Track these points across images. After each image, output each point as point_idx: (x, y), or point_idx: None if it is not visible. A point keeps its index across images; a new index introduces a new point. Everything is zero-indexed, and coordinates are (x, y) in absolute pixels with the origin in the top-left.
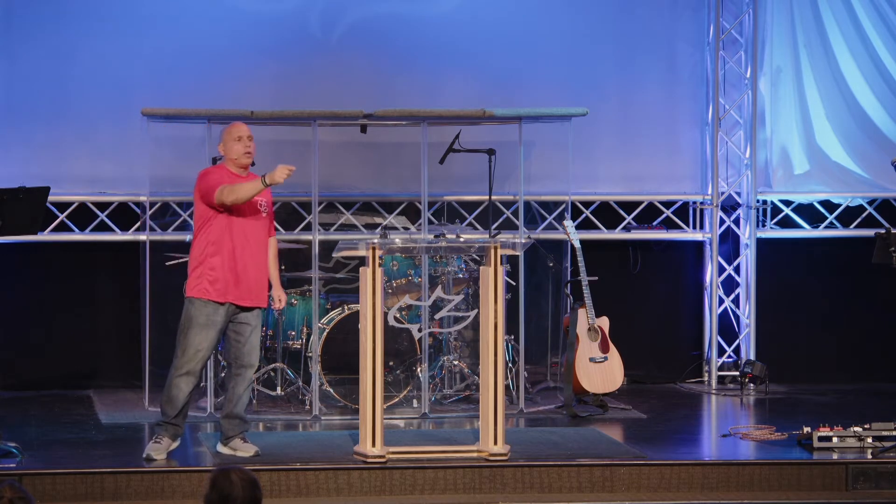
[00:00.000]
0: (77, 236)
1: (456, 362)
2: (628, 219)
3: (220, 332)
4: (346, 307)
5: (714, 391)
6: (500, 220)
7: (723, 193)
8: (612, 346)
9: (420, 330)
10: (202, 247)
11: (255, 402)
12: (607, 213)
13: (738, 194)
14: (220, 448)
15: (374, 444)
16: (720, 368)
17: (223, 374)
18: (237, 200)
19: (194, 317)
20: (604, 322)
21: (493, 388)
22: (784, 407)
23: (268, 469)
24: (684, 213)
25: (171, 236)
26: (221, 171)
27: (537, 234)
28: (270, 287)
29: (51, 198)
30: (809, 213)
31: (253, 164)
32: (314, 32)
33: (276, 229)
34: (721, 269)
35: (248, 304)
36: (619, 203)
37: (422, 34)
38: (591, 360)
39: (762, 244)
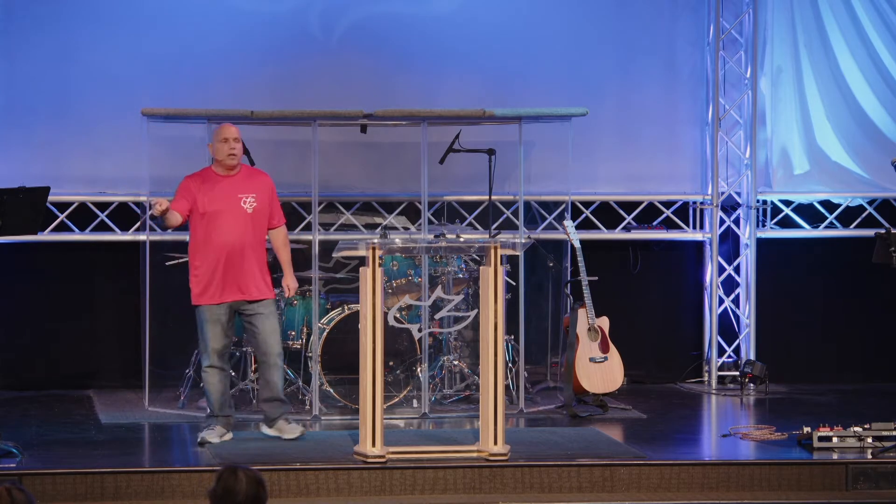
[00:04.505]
0: (77, 236)
1: (456, 362)
2: (628, 219)
3: (229, 325)
4: (346, 307)
5: (714, 391)
6: (500, 220)
7: (723, 193)
8: (612, 346)
9: (420, 330)
10: (191, 254)
11: (255, 402)
12: (607, 213)
13: (738, 194)
14: (265, 430)
15: (374, 444)
16: (720, 368)
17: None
18: (172, 227)
19: (201, 314)
20: (604, 322)
21: (493, 388)
22: (784, 407)
23: (268, 469)
24: (684, 213)
25: (171, 236)
26: (195, 180)
27: (537, 234)
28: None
29: (51, 198)
30: (809, 213)
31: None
32: (314, 33)
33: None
34: (721, 269)
35: (247, 297)
36: (619, 203)
37: (422, 34)
38: (591, 360)
39: (762, 244)
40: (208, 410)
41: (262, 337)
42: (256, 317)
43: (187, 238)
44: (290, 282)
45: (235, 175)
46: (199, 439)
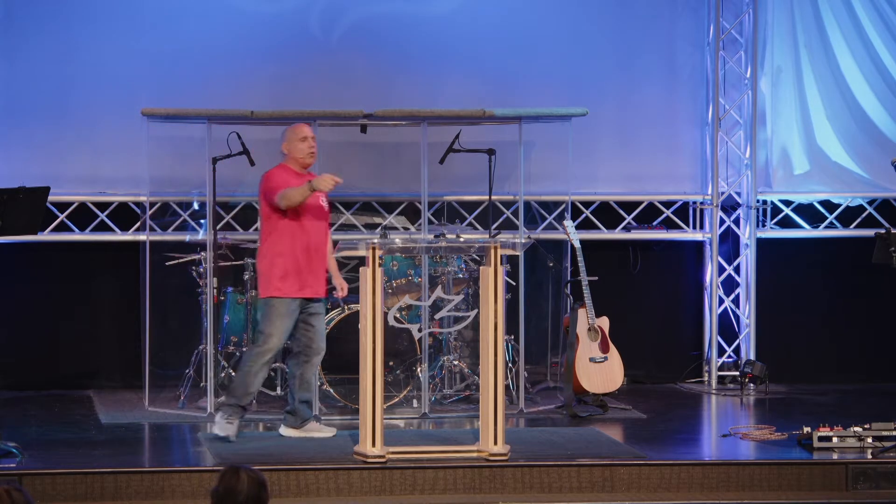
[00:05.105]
0: (77, 236)
1: (456, 362)
2: (628, 219)
3: (294, 323)
4: (346, 307)
5: (714, 391)
6: (500, 220)
7: (723, 193)
8: (612, 346)
9: (420, 330)
10: (272, 246)
11: (254, 402)
12: (607, 213)
13: (738, 194)
14: (291, 432)
15: (374, 444)
16: (720, 368)
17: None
18: (290, 205)
19: (275, 306)
20: (604, 322)
21: (493, 388)
22: (784, 407)
23: (268, 469)
24: (684, 213)
25: (171, 236)
26: (285, 172)
27: (537, 234)
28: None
29: (51, 198)
30: (809, 213)
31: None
32: (314, 32)
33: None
34: (721, 269)
35: (317, 294)
36: (619, 203)
37: (422, 34)
38: (591, 360)
39: (762, 244)
40: (231, 399)
41: (315, 336)
42: (316, 316)
43: (187, 238)
44: (342, 282)
45: (308, 174)
46: (221, 434)
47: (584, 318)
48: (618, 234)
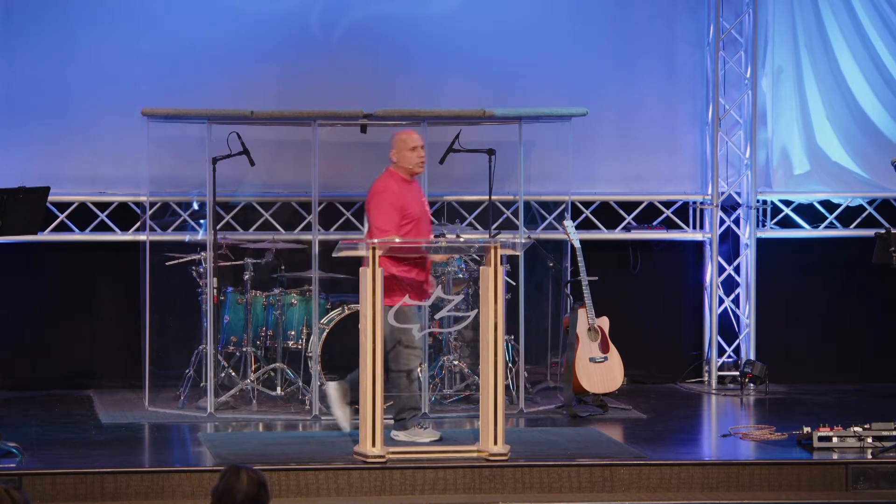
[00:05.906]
0: (77, 236)
1: (456, 362)
2: (628, 219)
3: None
4: (346, 307)
5: (714, 391)
6: (500, 220)
7: (723, 193)
8: (612, 346)
9: (420, 330)
10: (391, 255)
11: (255, 402)
12: (607, 213)
13: (738, 194)
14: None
15: (374, 444)
16: (720, 368)
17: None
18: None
19: (411, 314)
20: (604, 322)
21: (493, 388)
22: (784, 407)
23: (268, 469)
24: (684, 213)
25: (171, 236)
26: (393, 189)
27: (537, 234)
28: None
29: (51, 198)
30: (809, 213)
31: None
32: (314, 32)
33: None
34: (721, 269)
35: (429, 300)
36: (619, 203)
37: (422, 34)
38: (591, 360)
39: (762, 244)
40: (405, 414)
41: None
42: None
43: (187, 238)
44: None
45: (415, 180)
46: (434, 439)
47: (584, 318)
48: (618, 234)
